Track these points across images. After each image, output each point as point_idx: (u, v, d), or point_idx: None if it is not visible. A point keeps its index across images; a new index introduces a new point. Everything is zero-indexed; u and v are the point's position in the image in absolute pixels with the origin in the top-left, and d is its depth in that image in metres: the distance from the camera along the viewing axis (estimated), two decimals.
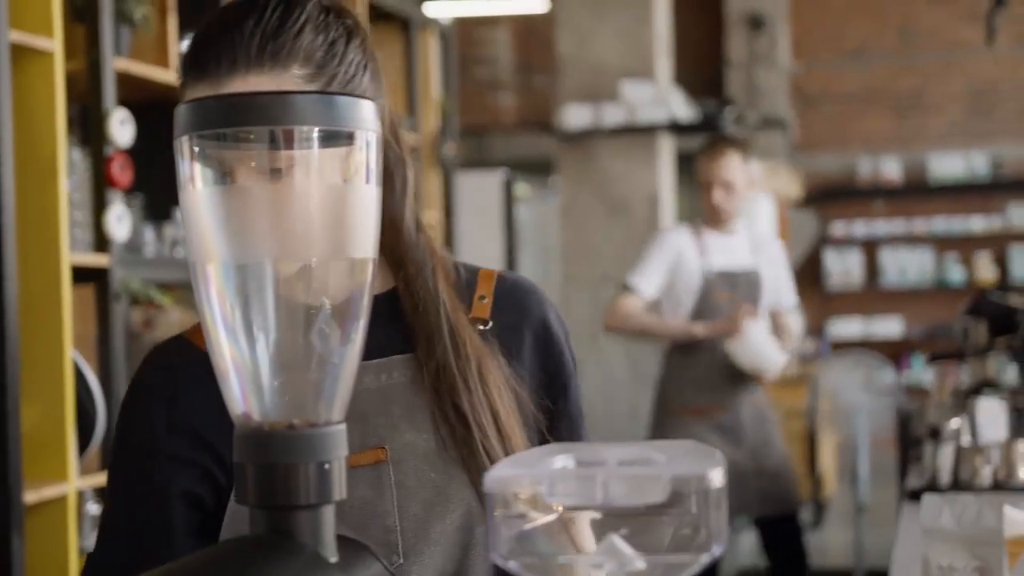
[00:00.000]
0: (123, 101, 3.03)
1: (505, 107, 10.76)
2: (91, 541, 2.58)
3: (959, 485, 2.66)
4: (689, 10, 9.38)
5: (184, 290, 3.28)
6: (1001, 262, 10.07)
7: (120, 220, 2.99)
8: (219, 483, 1.23)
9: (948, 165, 10.09)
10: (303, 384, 0.82)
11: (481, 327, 1.30)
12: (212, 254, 0.81)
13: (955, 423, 2.81)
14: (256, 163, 0.86)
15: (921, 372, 9.56)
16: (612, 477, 0.74)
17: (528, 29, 10.54)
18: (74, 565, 2.74)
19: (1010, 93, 10.04)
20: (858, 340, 9.87)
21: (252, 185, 0.84)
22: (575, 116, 6.45)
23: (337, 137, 0.82)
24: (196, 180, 0.81)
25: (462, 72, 9.39)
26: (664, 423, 4.23)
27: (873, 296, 10.28)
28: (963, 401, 3.58)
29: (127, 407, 1.28)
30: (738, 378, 4.12)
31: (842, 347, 9.31)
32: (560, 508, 0.78)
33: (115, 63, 3.00)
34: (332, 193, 0.83)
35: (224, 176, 0.85)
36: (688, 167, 5.24)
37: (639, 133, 6.44)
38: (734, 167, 4.16)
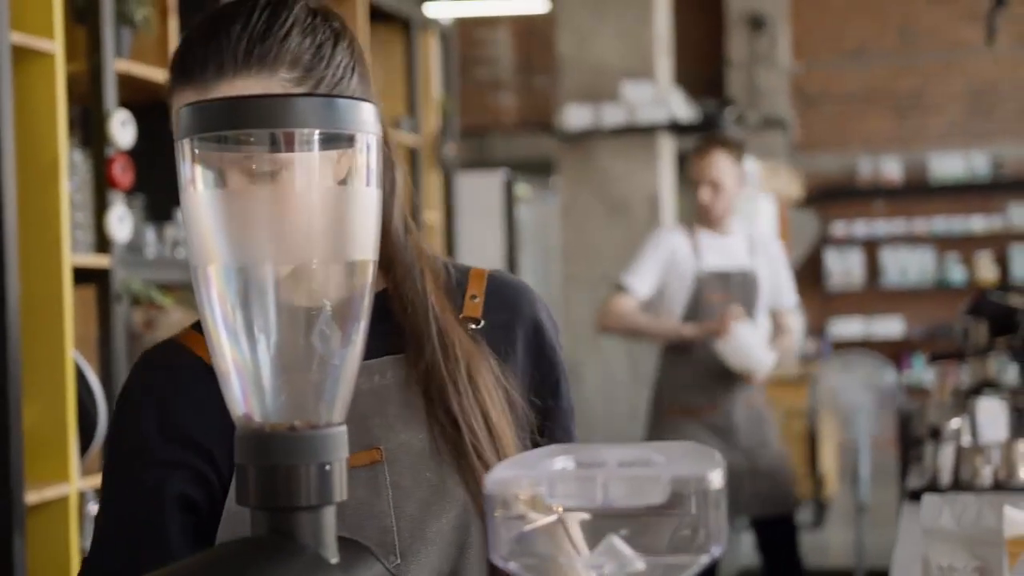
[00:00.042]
0: (124, 102, 3.03)
1: (505, 107, 10.76)
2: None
3: (960, 485, 2.66)
4: (689, 10, 9.39)
5: (185, 291, 3.28)
6: (1002, 262, 10.07)
7: (121, 221, 2.99)
8: (212, 486, 1.24)
9: (948, 165, 10.09)
10: (304, 385, 0.82)
11: (473, 326, 1.31)
12: (213, 256, 0.81)
13: (956, 423, 2.81)
14: (257, 166, 0.86)
15: (922, 372, 9.57)
16: (612, 478, 0.75)
17: (528, 29, 10.55)
18: (75, 566, 2.74)
19: (1010, 93, 10.05)
20: (859, 340, 9.87)
21: (253, 187, 0.84)
22: (575, 116, 6.46)
23: (337, 140, 0.82)
24: (197, 182, 0.82)
25: (462, 72, 9.39)
26: (659, 423, 4.23)
27: (874, 296, 10.28)
28: (964, 401, 3.58)
29: (120, 410, 1.28)
30: (729, 378, 4.13)
31: (843, 347, 9.31)
32: (560, 509, 0.78)
33: (116, 64, 3.00)
34: (333, 195, 0.83)
35: (225, 179, 0.86)
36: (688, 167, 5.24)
37: (639, 133, 6.44)
38: (722, 167, 4.16)
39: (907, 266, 10.18)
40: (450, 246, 5.10)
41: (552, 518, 0.79)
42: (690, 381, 4.17)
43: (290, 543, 0.80)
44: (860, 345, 9.40)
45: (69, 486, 2.74)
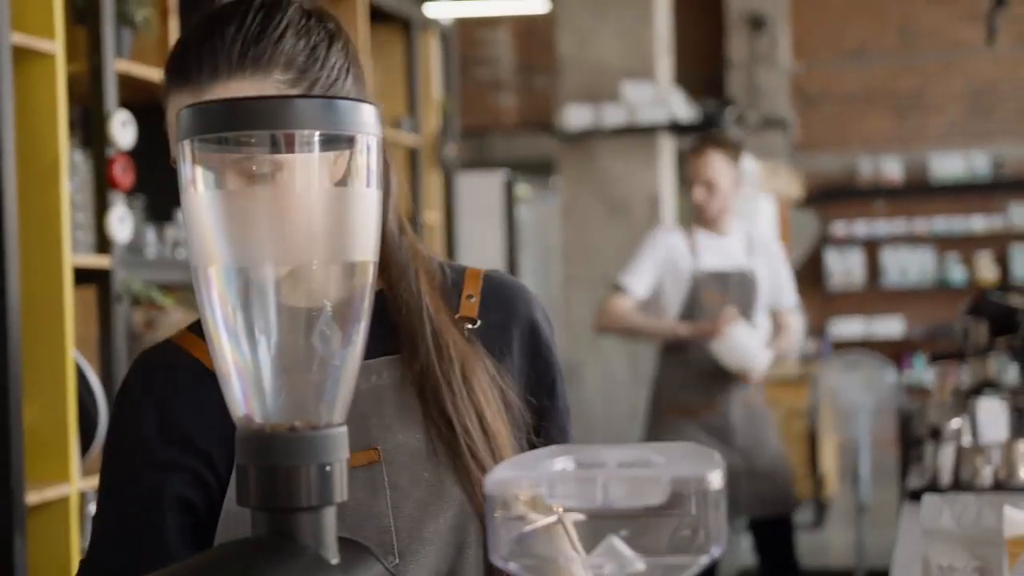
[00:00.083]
0: (124, 103, 3.03)
1: (506, 108, 10.76)
2: None
3: (960, 485, 2.66)
4: (689, 10, 9.39)
5: (185, 291, 3.29)
6: (1002, 262, 10.07)
7: (122, 221, 2.99)
8: (210, 487, 1.24)
9: (949, 165, 10.09)
10: (304, 386, 0.82)
11: (470, 326, 1.31)
12: (214, 257, 0.81)
13: (956, 423, 2.81)
14: (258, 167, 0.87)
15: (922, 372, 9.57)
16: (612, 479, 0.75)
17: (529, 30, 10.55)
18: (76, 566, 2.74)
19: (1010, 93, 10.05)
20: (859, 340, 9.87)
21: (254, 189, 0.84)
22: (576, 116, 6.46)
23: (336, 141, 0.82)
24: (198, 183, 0.82)
25: (463, 73, 9.40)
26: (656, 424, 4.23)
27: (874, 296, 10.28)
28: (964, 401, 3.59)
29: (119, 410, 1.29)
30: (726, 378, 4.13)
31: (843, 347, 9.31)
32: (560, 510, 0.78)
33: (116, 65, 3.00)
34: (334, 196, 0.83)
35: (226, 180, 0.86)
36: None
37: (640, 133, 6.44)
38: (717, 166, 4.17)
39: (907, 266, 10.18)
40: (450, 246, 5.10)
41: (552, 519, 0.79)
42: (687, 381, 4.18)
43: (290, 544, 0.80)
44: (860, 345, 9.40)
45: (70, 486, 2.74)
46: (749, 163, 6.54)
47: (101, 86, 2.96)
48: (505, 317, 1.34)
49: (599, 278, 6.12)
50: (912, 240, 10.19)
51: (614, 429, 6.35)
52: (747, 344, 4.06)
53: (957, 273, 10.08)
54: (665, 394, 4.23)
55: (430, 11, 4.97)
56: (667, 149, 6.60)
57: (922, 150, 10.19)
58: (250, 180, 0.87)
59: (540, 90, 10.49)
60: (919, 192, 10.16)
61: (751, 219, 6.80)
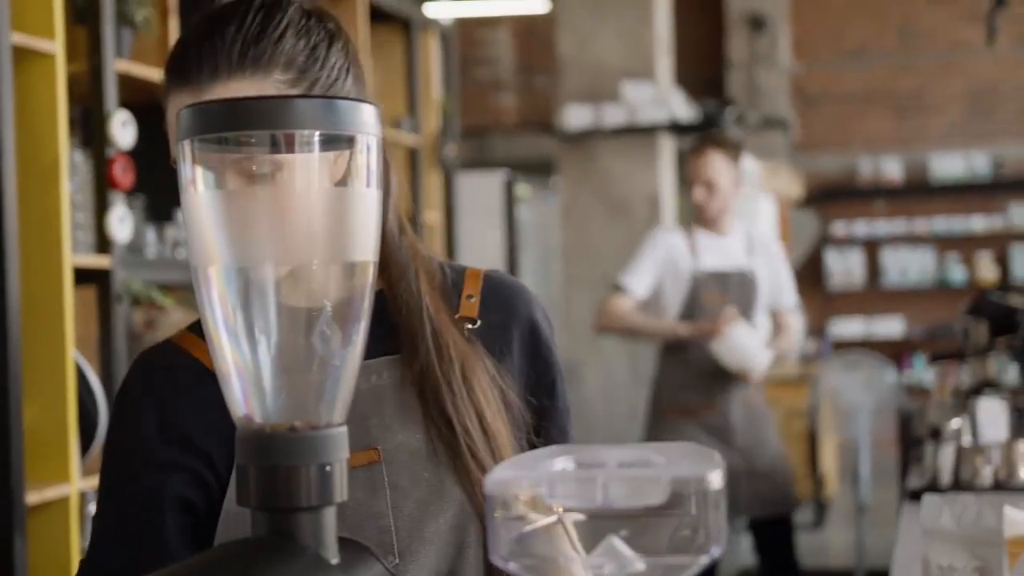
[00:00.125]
0: (124, 103, 3.03)
1: (506, 108, 10.76)
2: None
3: (960, 485, 2.66)
4: (690, 10, 9.39)
5: (185, 291, 3.29)
6: (1002, 262, 10.07)
7: (122, 221, 2.99)
8: (210, 487, 1.24)
9: (949, 165, 10.09)
10: (304, 386, 0.82)
11: (470, 326, 1.31)
12: (214, 257, 0.81)
13: (956, 423, 2.81)
14: (258, 167, 0.87)
15: (922, 372, 9.57)
16: (612, 479, 0.75)
17: (529, 30, 10.55)
18: (76, 566, 2.74)
19: (1010, 93, 10.05)
20: (859, 340, 9.87)
21: (254, 189, 0.84)
22: (576, 117, 6.46)
23: (336, 141, 0.82)
24: (198, 183, 0.82)
25: (463, 73, 9.40)
26: (656, 423, 4.23)
27: (874, 296, 10.28)
28: (964, 401, 3.59)
29: (117, 412, 1.29)
30: (725, 378, 4.13)
31: (843, 347, 9.32)
32: (560, 510, 0.78)
33: (116, 65, 3.00)
34: (334, 196, 0.83)
35: (226, 180, 0.86)
36: None
37: (640, 134, 6.44)
38: (717, 166, 4.17)
39: (907, 266, 10.18)
40: (450, 246, 5.10)
41: (552, 519, 0.79)
42: (687, 381, 4.18)
43: (291, 544, 0.80)
44: (860, 345, 9.40)
45: (70, 486, 2.74)
46: (749, 163, 6.54)
47: (101, 86, 2.96)
48: (505, 317, 1.34)
49: (599, 278, 6.13)
50: (912, 240, 10.19)
51: (614, 429, 6.35)
52: (747, 344, 4.06)
53: (957, 273, 10.08)
54: (665, 394, 4.24)
55: (430, 11, 4.97)
56: (667, 149, 6.60)
57: (922, 150, 10.19)
58: (250, 180, 0.88)
59: (540, 90, 10.49)
60: (919, 192, 10.16)
61: (751, 219, 6.80)
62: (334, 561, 0.81)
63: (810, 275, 10.04)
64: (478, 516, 1.25)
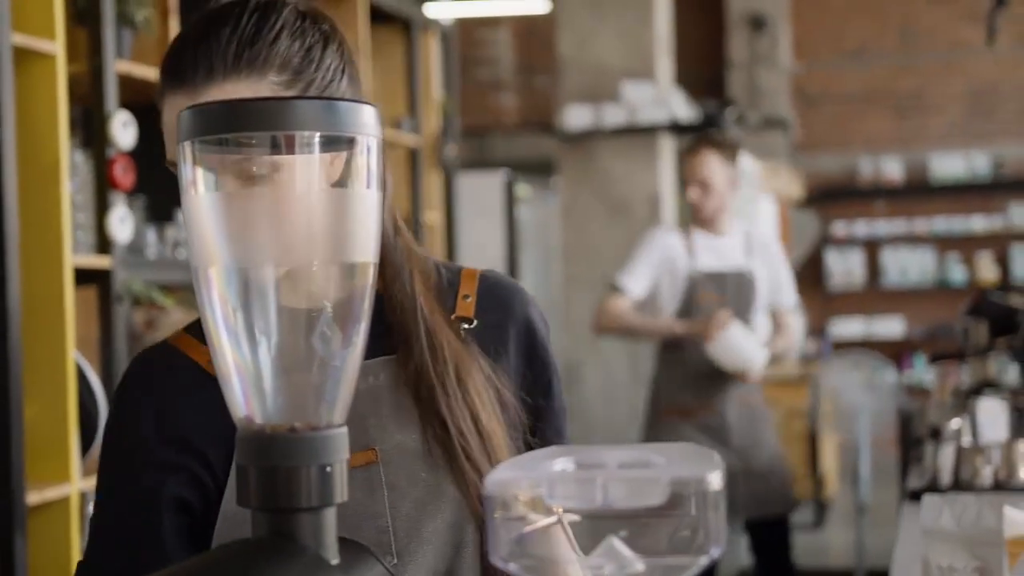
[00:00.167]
0: (125, 103, 3.03)
1: (506, 108, 10.76)
2: None
3: (960, 485, 2.66)
4: (690, 10, 9.39)
5: (186, 291, 3.29)
6: (1002, 262, 10.07)
7: (122, 222, 2.99)
8: (207, 488, 1.24)
9: (949, 165, 10.10)
10: (305, 387, 0.82)
11: (466, 326, 1.31)
12: (214, 258, 0.81)
13: (956, 423, 2.81)
14: (258, 168, 0.87)
15: (922, 372, 9.57)
16: (612, 480, 0.75)
17: (529, 30, 10.55)
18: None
19: (1010, 93, 10.05)
20: (859, 340, 9.87)
21: (254, 190, 0.84)
22: (576, 117, 6.46)
23: (336, 142, 0.82)
24: (198, 184, 0.82)
25: (463, 73, 9.40)
26: (654, 424, 4.24)
27: (874, 296, 10.28)
28: (964, 401, 3.59)
29: (114, 413, 1.29)
30: (722, 378, 4.13)
31: (843, 347, 9.32)
32: (560, 511, 0.78)
33: (117, 65, 3.00)
34: (334, 197, 0.83)
35: (226, 181, 0.86)
36: None
37: (640, 134, 6.44)
38: (712, 167, 4.17)
39: (908, 266, 10.18)
40: (450, 246, 5.10)
41: (552, 519, 0.79)
42: (684, 381, 4.18)
43: (291, 544, 0.80)
44: (860, 345, 9.40)
45: (70, 486, 2.75)
46: (749, 163, 6.54)
47: (101, 86, 2.96)
48: (501, 317, 1.34)
49: (599, 278, 6.12)
50: (912, 240, 10.19)
51: (614, 429, 6.35)
52: (742, 344, 4.06)
53: (957, 273, 10.09)
54: (663, 394, 4.24)
55: (430, 11, 4.98)
56: (667, 149, 6.60)
57: (922, 150, 10.19)
58: (250, 181, 0.88)
59: (540, 90, 10.49)
60: (919, 192, 10.16)
61: (751, 219, 6.81)
62: (334, 562, 0.81)
63: (810, 275, 10.04)
64: (474, 516, 1.25)
